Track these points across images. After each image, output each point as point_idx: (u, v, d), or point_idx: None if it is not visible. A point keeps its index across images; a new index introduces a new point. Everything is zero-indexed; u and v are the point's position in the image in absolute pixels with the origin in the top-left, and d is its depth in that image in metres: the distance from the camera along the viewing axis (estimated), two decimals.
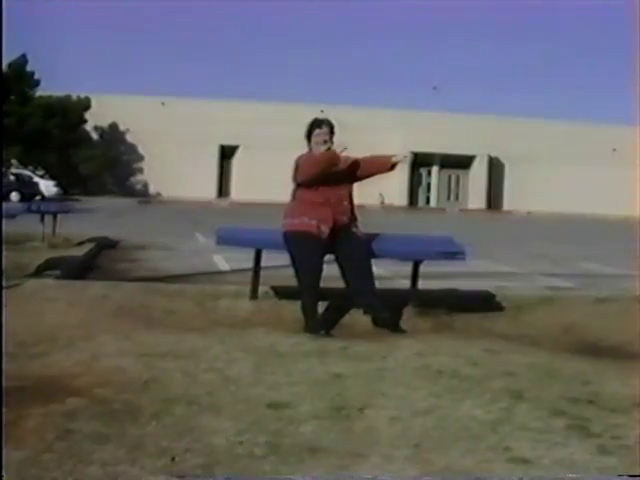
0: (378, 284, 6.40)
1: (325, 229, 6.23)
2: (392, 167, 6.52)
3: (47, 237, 13.92)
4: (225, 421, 3.67)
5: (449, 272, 10.45)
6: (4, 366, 4.36)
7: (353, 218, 6.48)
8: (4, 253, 8.49)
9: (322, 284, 6.23)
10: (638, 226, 30.82)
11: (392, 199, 54.64)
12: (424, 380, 4.43)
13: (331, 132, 6.46)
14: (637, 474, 3.10)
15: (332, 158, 6.27)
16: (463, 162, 57.44)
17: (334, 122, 6.56)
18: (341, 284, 6.39)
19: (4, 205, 11.69)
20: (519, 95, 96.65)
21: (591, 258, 16.33)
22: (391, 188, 53.30)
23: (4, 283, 6.76)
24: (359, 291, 6.27)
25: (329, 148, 6.42)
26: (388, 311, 6.27)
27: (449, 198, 58.85)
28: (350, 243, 6.31)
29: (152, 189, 54.89)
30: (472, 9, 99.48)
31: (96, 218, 24.30)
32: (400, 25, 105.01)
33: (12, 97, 46.68)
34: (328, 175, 6.28)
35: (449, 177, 58.97)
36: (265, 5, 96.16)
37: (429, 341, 5.53)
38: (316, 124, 6.47)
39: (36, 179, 45.77)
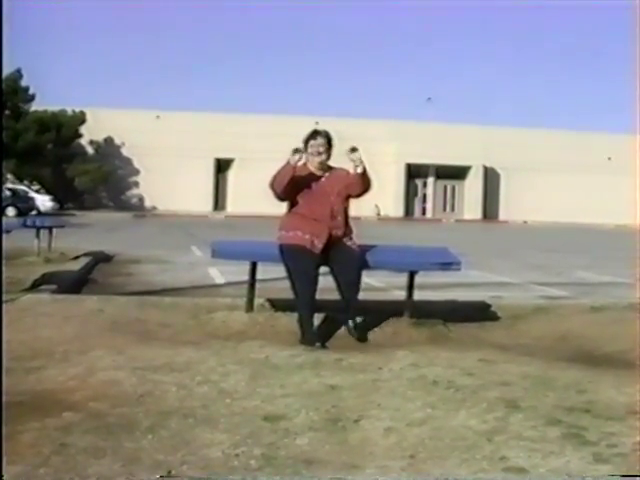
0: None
1: (318, 244, 6.24)
2: (364, 174, 6.37)
3: (43, 252, 13.90)
4: (221, 434, 3.67)
5: (445, 283, 10.46)
6: None
7: (348, 231, 6.49)
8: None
9: (318, 296, 6.24)
10: (633, 235, 30.88)
11: (388, 210, 54.71)
12: (419, 391, 4.43)
13: (328, 144, 6.47)
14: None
15: (284, 169, 6.27)
16: (459, 173, 57.56)
17: (332, 134, 6.58)
18: (337, 296, 6.40)
19: None
20: (514, 105, 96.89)
21: (586, 267, 16.36)
22: (387, 199, 53.43)
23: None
24: (347, 305, 6.31)
25: (322, 160, 6.44)
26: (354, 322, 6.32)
27: (445, 209, 58.96)
28: (344, 256, 6.32)
29: (147, 203, 54.92)
30: (467, 19, 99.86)
31: (92, 232, 24.30)
32: (394, 36, 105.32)
33: (7, 112, 46.69)
34: (304, 186, 6.35)
35: (445, 188, 59.08)
36: (260, 18, 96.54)
37: (424, 352, 5.52)
38: (313, 135, 6.48)
39: (32, 194, 45.78)
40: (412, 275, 6.96)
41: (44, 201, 45.01)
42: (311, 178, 6.42)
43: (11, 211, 39.88)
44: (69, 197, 50.58)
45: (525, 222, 53.31)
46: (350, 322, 6.31)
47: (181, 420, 3.86)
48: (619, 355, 5.95)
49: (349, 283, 6.28)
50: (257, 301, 7.06)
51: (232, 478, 3.16)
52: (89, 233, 23.37)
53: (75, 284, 10.27)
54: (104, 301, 7.37)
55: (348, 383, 4.59)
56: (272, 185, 6.37)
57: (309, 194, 6.39)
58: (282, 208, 6.66)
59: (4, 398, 4.04)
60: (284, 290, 6.59)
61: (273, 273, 7.19)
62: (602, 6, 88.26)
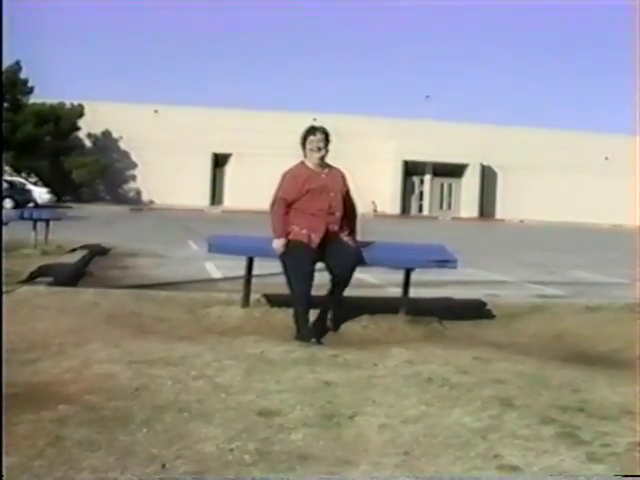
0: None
1: (315, 238, 6.25)
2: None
3: (39, 244, 13.90)
4: (215, 428, 3.67)
5: (441, 280, 10.47)
6: None
7: (345, 227, 6.50)
8: None
9: (314, 292, 6.24)
10: (629, 235, 30.89)
11: (385, 207, 54.69)
12: (414, 388, 4.44)
13: (326, 139, 6.48)
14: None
15: (278, 225, 6.36)
16: (456, 170, 57.52)
17: (329, 130, 6.60)
18: None
19: None
20: (511, 104, 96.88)
21: (582, 266, 16.38)
22: (384, 196, 53.44)
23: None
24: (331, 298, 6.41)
25: (323, 156, 6.45)
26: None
27: (441, 206, 58.91)
28: (339, 252, 6.32)
29: (145, 197, 54.84)
30: (466, 18, 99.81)
31: (88, 225, 24.26)
32: (393, 33, 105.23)
33: (5, 104, 46.58)
34: (308, 187, 6.39)
35: (442, 185, 59.03)
36: (259, 14, 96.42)
37: (419, 349, 5.53)
38: (311, 131, 6.51)
39: (29, 186, 45.67)
40: (408, 272, 6.97)
41: (41, 193, 44.88)
42: (313, 178, 6.41)
43: (8, 203, 39.69)
44: (66, 190, 50.46)
45: (521, 221, 53.32)
46: (330, 313, 6.43)
47: (176, 414, 3.87)
48: (614, 355, 5.96)
49: (341, 281, 6.34)
50: (253, 296, 7.07)
51: (226, 473, 3.16)
52: (86, 226, 23.34)
53: (71, 277, 10.27)
54: (100, 294, 7.37)
55: (343, 379, 4.59)
56: (284, 185, 6.47)
57: (309, 191, 6.40)
58: None
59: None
60: (280, 286, 6.59)
61: (269, 268, 7.19)
62: (602, 6, 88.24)
